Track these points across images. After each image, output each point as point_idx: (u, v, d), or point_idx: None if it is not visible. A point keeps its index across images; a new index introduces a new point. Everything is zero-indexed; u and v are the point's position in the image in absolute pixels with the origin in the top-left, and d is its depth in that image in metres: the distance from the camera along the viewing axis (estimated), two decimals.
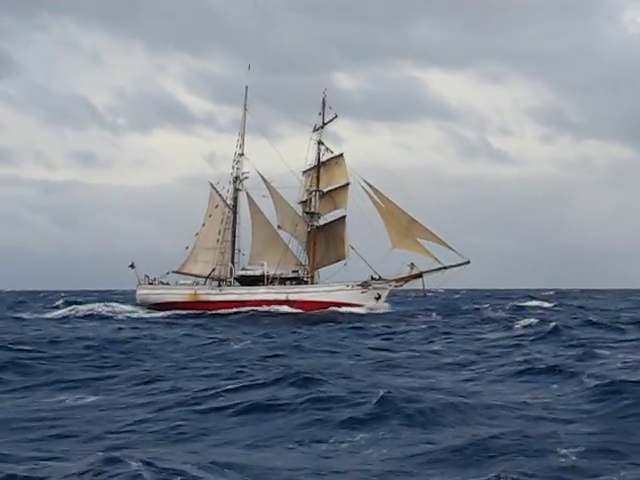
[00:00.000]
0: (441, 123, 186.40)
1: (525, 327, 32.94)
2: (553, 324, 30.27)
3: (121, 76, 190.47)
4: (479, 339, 28.10)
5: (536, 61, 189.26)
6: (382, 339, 29.18)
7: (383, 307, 54.04)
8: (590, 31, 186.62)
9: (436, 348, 24.33)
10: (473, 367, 18.99)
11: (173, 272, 56.44)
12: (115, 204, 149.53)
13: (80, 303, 56.34)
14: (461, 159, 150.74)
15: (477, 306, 59.68)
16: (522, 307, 56.78)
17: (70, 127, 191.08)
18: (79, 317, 45.51)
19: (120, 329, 34.06)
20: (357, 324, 37.70)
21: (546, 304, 60.59)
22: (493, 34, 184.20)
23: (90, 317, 45.75)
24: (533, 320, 35.78)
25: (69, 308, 51.42)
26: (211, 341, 26.80)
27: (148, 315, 47.96)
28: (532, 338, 26.55)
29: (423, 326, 36.82)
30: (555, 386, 15.33)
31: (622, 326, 32.85)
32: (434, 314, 47.91)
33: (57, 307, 56.06)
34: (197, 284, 55.69)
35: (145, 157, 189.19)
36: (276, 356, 21.10)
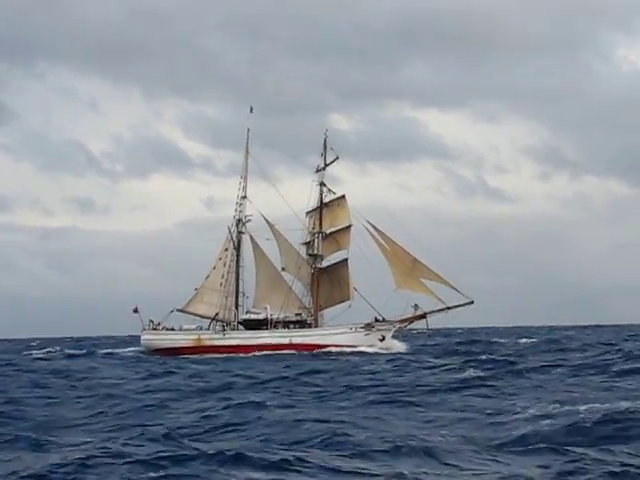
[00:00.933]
0: (439, 162, 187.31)
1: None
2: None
3: (118, 122, 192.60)
4: None
5: (531, 100, 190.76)
6: None
7: (396, 346, 53.44)
8: (584, 69, 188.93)
9: None
10: None
11: (177, 310, 56.56)
12: (113, 250, 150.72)
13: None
14: (459, 198, 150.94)
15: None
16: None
17: (67, 173, 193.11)
18: None
19: None
20: None
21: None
22: (488, 73, 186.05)
23: None
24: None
25: None
26: None
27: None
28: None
29: None
30: None
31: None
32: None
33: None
34: (201, 328, 55.72)
35: (143, 202, 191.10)
36: None
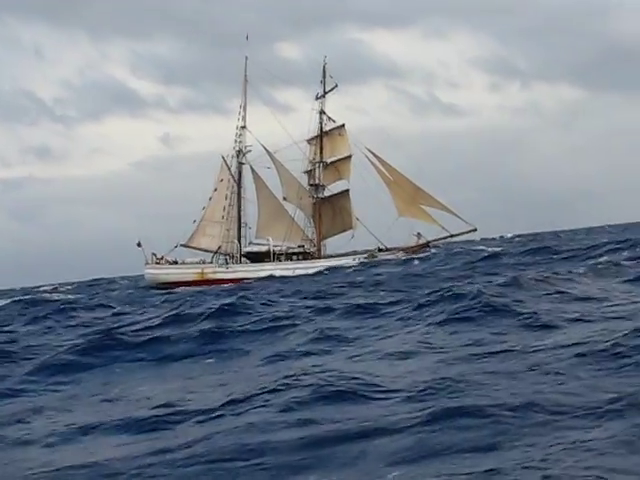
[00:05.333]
0: (389, 82, 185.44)
1: None
2: None
3: (66, 67, 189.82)
4: None
5: (477, 13, 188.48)
6: None
7: None
8: None
9: None
10: None
11: (181, 245, 56.41)
12: (73, 194, 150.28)
13: None
14: (412, 116, 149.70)
15: None
16: None
17: (21, 123, 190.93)
18: None
19: None
20: None
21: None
22: None
23: None
24: None
25: None
26: None
27: None
28: None
29: None
30: None
31: None
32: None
33: None
34: (204, 262, 55.68)
35: (99, 145, 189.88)
36: None
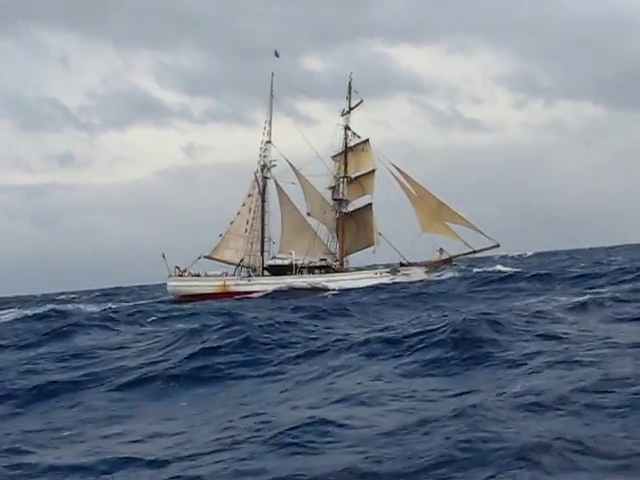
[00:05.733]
0: (413, 97, 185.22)
1: None
2: None
3: (91, 76, 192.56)
4: None
5: (502, 30, 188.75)
6: None
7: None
8: None
9: None
10: None
11: (204, 257, 56.90)
12: (95, 202, 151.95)
13: None
14: (436, 130, 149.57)
15: None
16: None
17: (46, 130, 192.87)
18: None
19: None
20: None
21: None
22: (457, 7, 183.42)
23: None
24: None
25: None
26: None
27: None
28: None
29: None
30: None
31: None
32: None
33: None
34: (226, 274, 56.13)
35: (123, 154, 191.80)
36: None
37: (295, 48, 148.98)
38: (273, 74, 57.86)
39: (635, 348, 11.57)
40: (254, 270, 56.31)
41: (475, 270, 48.78)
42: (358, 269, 56.36)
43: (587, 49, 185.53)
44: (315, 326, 18.88)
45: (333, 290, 47.53)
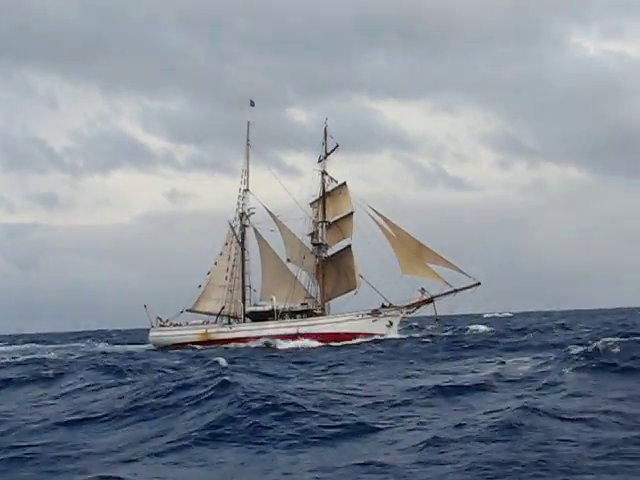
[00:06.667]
0: (398, 153, 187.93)
1: None
2: None
3: (77, 119, 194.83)
4: None
5: (487, 89, 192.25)
6: None
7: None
8: (538, 58, 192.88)
9: None
10: None
11: (187, 311, 56.56)
12: (77, 244, 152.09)
13: None
14: (419, 187, 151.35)
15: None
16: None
17: (30, 171, 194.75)
18: None
19: None
20: None
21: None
22: (444, 64, 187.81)
23: None
24: None
25: None
26: None
27: None
28: None
29: None
30: None
31: None
32: None
33: None
34: (208, 323, 55.70)
35: (105, 196, 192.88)
36: None
37: (281, 99, 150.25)
38: (249, 123, 58.59)
39: None
40: (235, 317, 55.91)
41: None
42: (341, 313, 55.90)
43: (572, 112, 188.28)
44: None
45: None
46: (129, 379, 19.99)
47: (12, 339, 76.34)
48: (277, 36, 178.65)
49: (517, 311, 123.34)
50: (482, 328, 56.03)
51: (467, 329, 56.05)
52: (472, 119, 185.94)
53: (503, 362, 22.60)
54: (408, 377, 20.25)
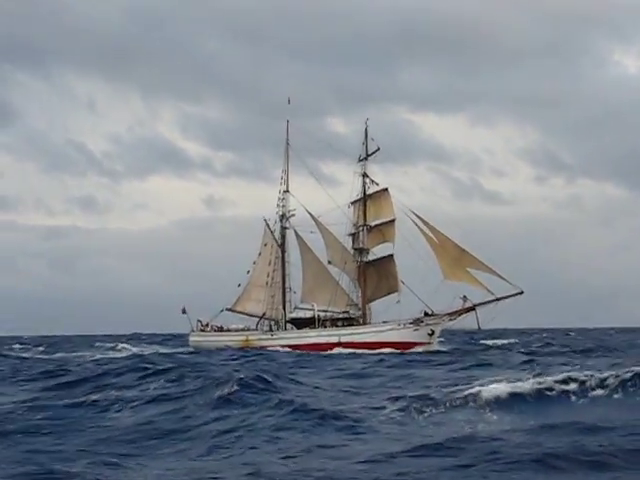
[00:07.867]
0: (435, 165, 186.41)
1: None
2: None
3: (117, 123, 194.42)
4: None
5: (526, 104, 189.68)
6: None
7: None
8: (579, 73, 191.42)
9: None
10: None
11: (227, 310, 56.60)
12: (113, 247, 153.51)
13: None
14: (455, 200, 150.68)
15: None
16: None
17: (68, 173, 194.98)
18: None
19: None
20: None
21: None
22: (484, 78, 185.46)
23: None
24: None
25: None
26: None
27: None
28: None
29: None
30: None
31: None
32: None
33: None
34: (248, 329, 55.66)
35: (143, 201, 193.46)
36: None
37: (319, 108, 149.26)
38: (288, 122, 57.74)
39: None
40: (276, 323, 55.87)
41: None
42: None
43: (611, 129, 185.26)
44: None
45: None
46: None
47: (40, 340, 77.28)
48: (320, 46, 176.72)
49: (546, 327, 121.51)
50: None
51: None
52: (509, 133, 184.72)
53: None
54: None
